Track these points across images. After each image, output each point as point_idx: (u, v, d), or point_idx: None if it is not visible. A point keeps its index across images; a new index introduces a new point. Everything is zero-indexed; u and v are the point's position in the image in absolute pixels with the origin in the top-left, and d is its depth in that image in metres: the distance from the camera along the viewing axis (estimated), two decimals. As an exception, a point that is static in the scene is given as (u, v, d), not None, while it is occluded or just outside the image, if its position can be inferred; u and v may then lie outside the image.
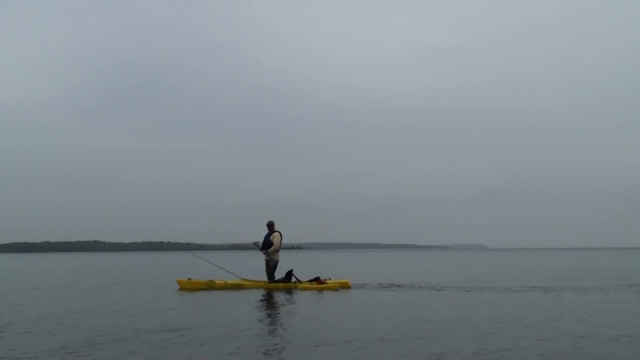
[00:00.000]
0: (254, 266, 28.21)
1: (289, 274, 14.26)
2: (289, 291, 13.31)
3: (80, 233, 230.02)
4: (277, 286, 13.83)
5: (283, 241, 14.20)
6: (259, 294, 12.74)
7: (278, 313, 9.57)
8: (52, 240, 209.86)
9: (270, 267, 14.34)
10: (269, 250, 14.15)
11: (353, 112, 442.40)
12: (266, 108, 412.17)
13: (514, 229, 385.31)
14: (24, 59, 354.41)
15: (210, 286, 14.02)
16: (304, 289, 13.49)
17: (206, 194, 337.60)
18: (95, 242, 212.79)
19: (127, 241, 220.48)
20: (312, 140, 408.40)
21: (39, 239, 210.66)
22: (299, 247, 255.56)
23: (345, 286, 13.89)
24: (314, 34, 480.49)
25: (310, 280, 14.00)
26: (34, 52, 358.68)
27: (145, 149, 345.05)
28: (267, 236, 14.35)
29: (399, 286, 14.78)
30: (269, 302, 11.40)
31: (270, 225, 14.48)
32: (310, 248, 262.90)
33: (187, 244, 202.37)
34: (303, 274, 15.82)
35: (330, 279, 14.24)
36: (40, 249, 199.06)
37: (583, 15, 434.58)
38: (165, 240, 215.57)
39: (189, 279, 14.61)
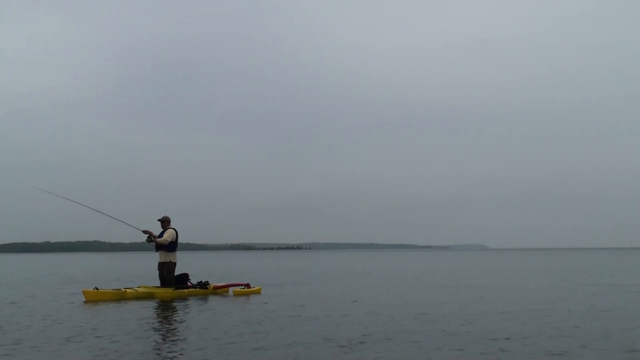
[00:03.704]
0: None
1: (184, 277, 13.32)
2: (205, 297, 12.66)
3: (81, 233, 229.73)
4: (192, 292, 12.97)
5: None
6: (170, 304, 11.39)
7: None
8: (52, 240, 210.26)
9: (169, 270, 12.87)
10: (157, 239, 12.61)
11: (352, 112, 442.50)
12: (267, 106, 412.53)
13: (514, 229, 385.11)
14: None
15: (121, 296, 12.22)
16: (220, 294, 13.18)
17: (207, 194, 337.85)
18: (95, 242, 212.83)
19: (127, 241, 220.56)
20: (311, 141, 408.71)
21: (39, 239, 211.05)
22: (298, 247, 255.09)
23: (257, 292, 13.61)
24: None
25: (224, 285, 13.80)
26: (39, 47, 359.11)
27: (147, 149, 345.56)
28: (161, 234, 12.85)
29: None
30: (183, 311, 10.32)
31: (165, 222, 13.00)
32: (310, 248, 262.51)
33: (187, 244, 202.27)
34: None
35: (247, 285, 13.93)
36: (40, 249, 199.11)
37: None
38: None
39: (95, 288, 12.38)
